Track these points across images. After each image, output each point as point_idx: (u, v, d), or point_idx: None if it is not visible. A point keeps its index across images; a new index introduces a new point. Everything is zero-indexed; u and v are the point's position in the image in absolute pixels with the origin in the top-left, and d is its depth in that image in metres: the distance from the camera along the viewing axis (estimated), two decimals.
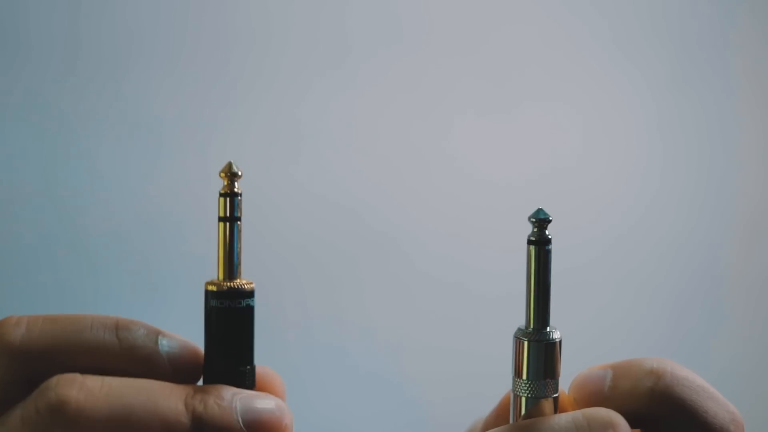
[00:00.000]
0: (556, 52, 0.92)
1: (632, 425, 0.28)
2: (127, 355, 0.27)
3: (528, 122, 0.92)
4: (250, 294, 0.29)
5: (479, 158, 0.92)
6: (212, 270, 0.30)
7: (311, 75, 0.87)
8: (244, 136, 0.86)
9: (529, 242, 0.28)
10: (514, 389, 0.29)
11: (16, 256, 0.81)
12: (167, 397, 0.26)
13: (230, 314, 0.28)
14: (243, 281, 0.29)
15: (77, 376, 0.25)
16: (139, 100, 0.83)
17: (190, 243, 0.82)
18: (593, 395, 0.29)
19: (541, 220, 0.28)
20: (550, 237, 0.28)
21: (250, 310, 0.29)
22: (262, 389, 0.29)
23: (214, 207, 0.30)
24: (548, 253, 0.28)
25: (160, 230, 0.84)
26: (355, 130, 0.89)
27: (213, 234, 0.30)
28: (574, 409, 0.29)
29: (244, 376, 0.28)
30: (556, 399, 0.29)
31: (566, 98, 0.93)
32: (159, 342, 0.27)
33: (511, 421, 0.29)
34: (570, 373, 0.30)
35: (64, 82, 0.80)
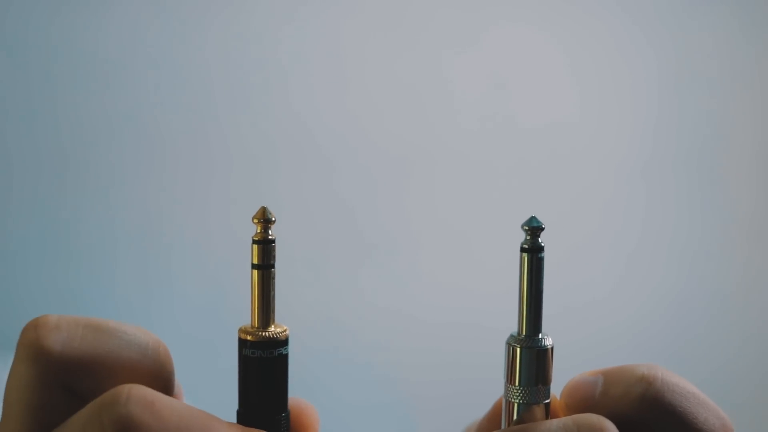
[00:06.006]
0: None
1: (623, 431, 0.28)
2: (161, 380, 0.27)
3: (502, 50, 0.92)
4: (285, 342, 0.28)
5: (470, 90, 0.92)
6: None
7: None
8: (231, 72, 0.86)
9: (522, 250, 0.28)
10: (506, 395, 0.29)
11: None
12: None
13: (266, 364, 0.28)
14: (278, 329, 0.29)
15: (147, 394, 0.25)
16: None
17: None
18: (584, 401, 0.29)
19: (534, 228, 0.28)
20: (543, 245, 0.28)
21: (285, 358, 0.28)
22: (297, 420, 0.30)
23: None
24: (541, 260, 0.28)
25: None
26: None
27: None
28: (565, 415, 0.29)
29: (279, 424, 0.28)
30: (547, 405, 0.29)
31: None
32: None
33: (503, 426, 0.29)
34: (562, 379, 0.30)
35: None
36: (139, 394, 0.25)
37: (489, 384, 0.86)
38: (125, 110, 0.85)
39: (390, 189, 0.90)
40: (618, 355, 0.93)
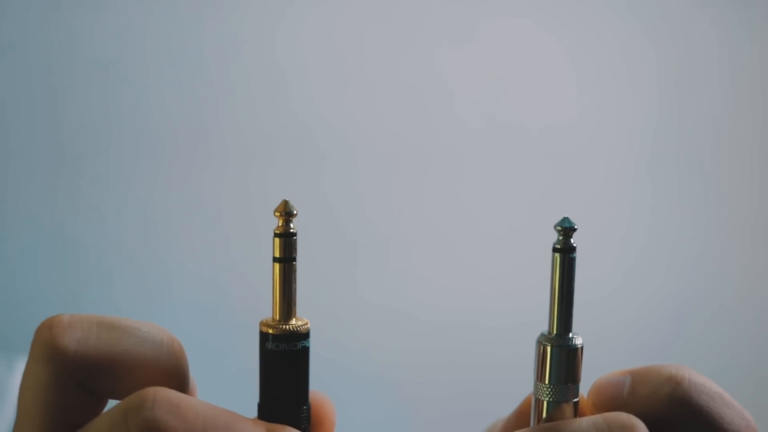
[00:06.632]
0: None
1: (650, 430, 0.28)
2: (177, 376, 0.27)
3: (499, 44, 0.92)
4: (306, 335, 0.28)
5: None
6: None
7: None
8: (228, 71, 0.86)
9: (554, 250, 0.29)
10: (535, 393, 0.29)
11: None
12: None
13: (287, 357, 0.28)
14: (299, 322, 0.28)
15: (172, 396, 0.25)
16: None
17: None
18: (612, 400, 0.29)
19: (566, 229, 0.29)
20: (575, 245, 0.29)
21: (306, 351, 0.28)
22: (315, 413, 0.30)
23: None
24: (573, 261, 0.29)
25: None
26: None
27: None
28: (593, 414, 0.29)
29: (300, 416, 0.28)
30: (576, 403, 0.29)
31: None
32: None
33: (532, 423, 0.29)
34: (589, 379, 0.30)
35: None
36: (165, 397, 0.25)
37: (488, 384, 0.87)
38: (123, 110, 0.85)
39: (388, 188, 0.91)
40: (618, 354, 0.93)
